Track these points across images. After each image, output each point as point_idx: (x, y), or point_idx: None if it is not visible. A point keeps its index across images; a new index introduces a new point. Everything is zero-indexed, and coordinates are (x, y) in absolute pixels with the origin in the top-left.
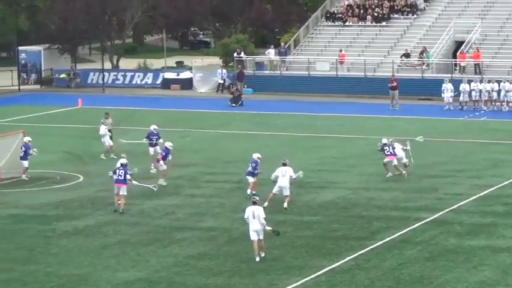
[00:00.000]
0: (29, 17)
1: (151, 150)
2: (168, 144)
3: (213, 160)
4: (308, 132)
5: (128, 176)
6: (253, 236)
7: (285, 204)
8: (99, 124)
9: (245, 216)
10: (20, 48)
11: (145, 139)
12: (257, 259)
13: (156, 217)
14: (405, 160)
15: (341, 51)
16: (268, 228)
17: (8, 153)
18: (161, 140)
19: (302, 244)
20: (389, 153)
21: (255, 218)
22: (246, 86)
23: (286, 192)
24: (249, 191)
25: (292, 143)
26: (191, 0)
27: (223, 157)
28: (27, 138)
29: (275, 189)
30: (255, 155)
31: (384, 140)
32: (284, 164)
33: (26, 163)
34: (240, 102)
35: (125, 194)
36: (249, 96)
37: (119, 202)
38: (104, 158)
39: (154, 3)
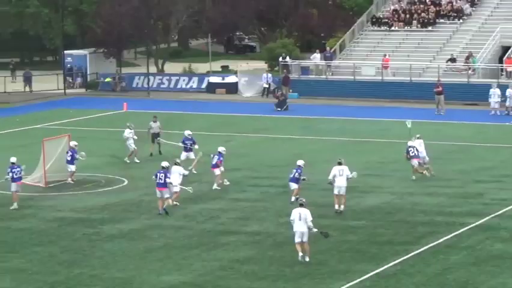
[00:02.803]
0: (75, 21)
1: (184, 155)
2: (221, 149)
3: (258, 164)
4: (353, 137)
5: (168, 180)
6: (298, 238)
7: (342, 207)
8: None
9: (291, 218)
10: (66, 52)
11: (180, 143)
12: (300, 259)
13: (201, 221)
14: (427, 159)
15: (385, 55)
16: (315, 230)
17: (54, 157)
18: (196, 146)
19: (347, 248)
20: (413, 154)
21: (301, 220)
22: (291, 90)
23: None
24: (293, 198)
25: (337, 148)
26: (237, 5)
27: (268, 161)
28: (73, 143)
29: (335, 191)
30: (299, 162)
31: (410, 143)
32: (340, 163)
33: (73, 167)
34: (285, 107)
35: (168, 196)
36: (294, 101)
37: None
38: (128, 161)
39: (200, 8)
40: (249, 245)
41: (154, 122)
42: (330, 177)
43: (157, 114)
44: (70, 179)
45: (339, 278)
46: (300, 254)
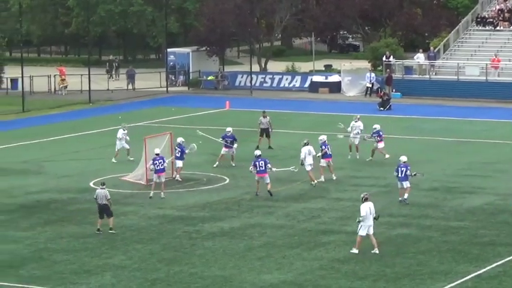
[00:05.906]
0: (179, 20)
1: (224, 150)
2: (323, 137)
3: (360, 164)
4: (456, 137)
5: (268, 165)
6: (370, 231)
7: None
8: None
9: (362, 214)
10: (169, 50)
11: (220, 139)
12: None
13: (302, 220)
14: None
15: (495, 56)
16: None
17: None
18: (235, 145)
19: (448, 249)
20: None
21: (371, 214)
22: (394, 90)
23: None
24: (406, 195)
25: (440, 148)
26: (341, 4)
27: (370, 161)
28: (180, 139)
29: None
30: (404, 158)
31: (377, 126)
32: None
33: (180, 163)
34: (388, 106)
35: (268, 181)
36: (397, 100)
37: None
38: (114, 161)
39: (304, 7)
40: (350, 244)
41: (264, 117)
42: None
43: (260, 113)
44: (177, 175)
45: (440, 279)
46: (356, 250)
